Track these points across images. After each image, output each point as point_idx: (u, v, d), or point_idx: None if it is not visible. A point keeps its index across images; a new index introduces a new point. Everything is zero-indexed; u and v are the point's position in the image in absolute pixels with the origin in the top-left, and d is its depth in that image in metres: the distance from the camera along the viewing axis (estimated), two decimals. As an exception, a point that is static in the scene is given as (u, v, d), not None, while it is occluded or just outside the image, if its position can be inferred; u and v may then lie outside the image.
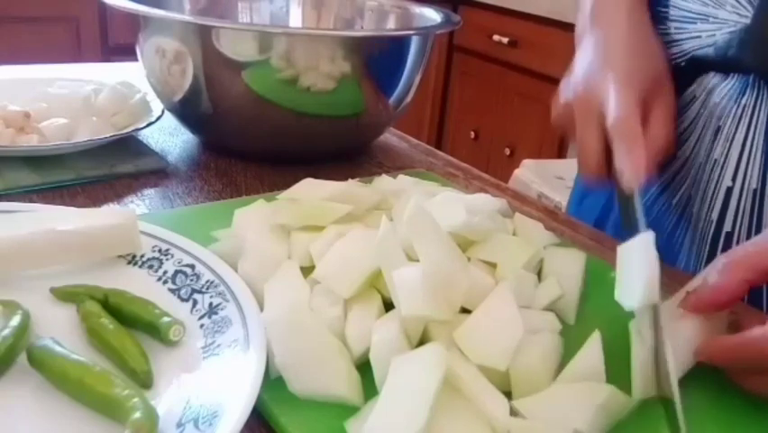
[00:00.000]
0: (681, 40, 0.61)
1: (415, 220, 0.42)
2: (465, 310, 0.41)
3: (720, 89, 0.58)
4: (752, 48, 0.55)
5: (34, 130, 0.65)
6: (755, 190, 0.57)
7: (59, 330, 0.40)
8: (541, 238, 0.52)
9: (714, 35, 0.57)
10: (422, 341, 0.39)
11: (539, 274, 0.48)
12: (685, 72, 0.60)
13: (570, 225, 0.65)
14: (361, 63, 0.65)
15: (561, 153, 2.12)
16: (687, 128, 0.61)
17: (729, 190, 0.58)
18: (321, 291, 0.42)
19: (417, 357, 0.36)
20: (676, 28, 0.61)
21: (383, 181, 0.58)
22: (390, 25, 0.86)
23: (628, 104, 0.51)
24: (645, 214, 0.65)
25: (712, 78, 0.59)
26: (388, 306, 0.42)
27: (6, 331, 0.37)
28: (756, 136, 0.56)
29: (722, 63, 0.57)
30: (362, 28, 0.88)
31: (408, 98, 0.74)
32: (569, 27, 2.05)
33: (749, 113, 0.56)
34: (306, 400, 0.37)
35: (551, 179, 1.76)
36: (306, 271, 0.44)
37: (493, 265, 0.46)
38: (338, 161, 0.72)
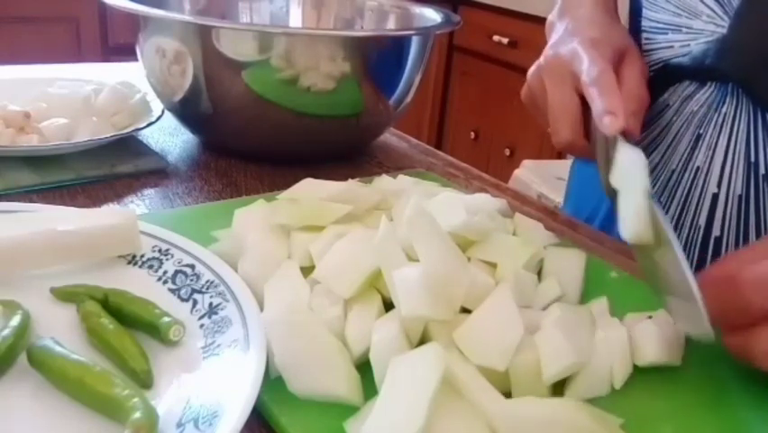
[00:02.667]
0: (652, 50, 0.61)
1: (415, 220, 0.42)
2: (465, 310, 0.41)
3: (698, 98, 0.58)
4: (730, 57, 0.55)
5: (34, 130, 0.65)
6: (740, 196, 0.57)
7: (59, 330, 0.40)
8: (541, 238, 0.52)
9: (688, 45, 0.58)
10: (422, 341, 0.39)
11: (539, 274, 0.48)
12: (656, 82, 0.60)
13: (570, 225, 0.65)
14: (361, 63, 0.65)
15: (561, 154, 2.12)
16: (659, 135, 0.62)
17: (715, 197, 0.58)
18: (321, 291, 0.42)
19: (416, 357, 0.36)
20: (646, 39, 0.62)
21: (383, 181, 0.58)
22: (390, 25, 0.86)
23: (600, 59, 0.51)
24: (608, 217, 0.65)
25: (687, 87, 0.59)
26: (388, 306, 0.42)
27: (6, 331, 0.37)
28: (738, 144, 0.56)
29: (698, 72, 0.58)
30: (362, 28, 0.88)
31: (408, 98, 0.74)
32: (569, 27, 2.05)
33: (729, 121, 0.57)
34: (306, 400, 0.37)
35: (551, 179, 1.76)
36: (306, 271, 0.44)
37: (493, 265, 0.46)
38: (338, 161, 0.72)
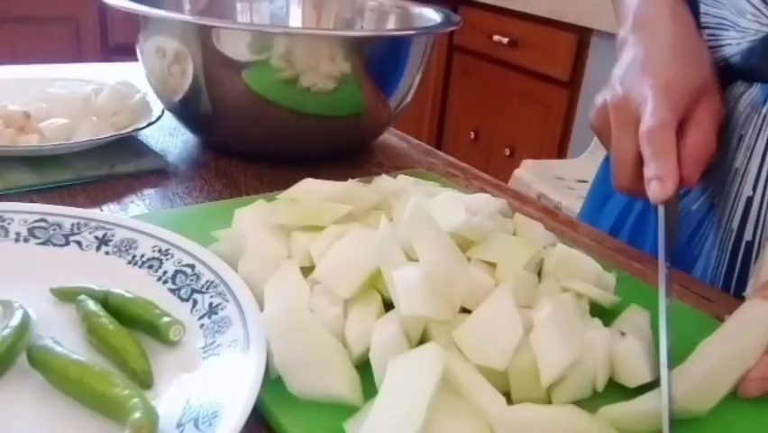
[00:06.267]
0: (716, 47, 0.59)
1: (415, 220, 0.42)
2: (465, 310, 0.41)
3: (744, 98, 0.58)
4: None
5: (34, 130, 0.65)
6: None
7: (59, 330, 0.40)
8: (541, 238, 0.52)
9: (740, 43, 0.56)
10: (422, 341, 0.39)
11: (539, 274, 0.48)
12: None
13: (570, 225, 0.65)
14: (361, 63, 0.65)
15: (561, 154, 2.12)
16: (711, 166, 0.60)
17: (750, 200, 0.57)
18: (321, 291, 0.42)
19: (415, 357, 0.36)
20: (710, 35, 0.59)
21: (383, 181, 0.58)
22: (390, 25, 0.86)
23: (663, 113, 0.49)
24: (638, 224, 0.64)
25: (739, 87, 0.58)
26: (388, 306, 0.42)
27: (6, 331, 0.37)
28: None
29: (746, 72, 0.57)
30: (362, 28, 0.88)
31: (408, 98, 0.74)
32: (568, 27, 2.06)
33: None
34: (306, 401, 0.37)
35: (551, 179, 1.76)
36: (306, 271, 0.44)
37: (493, 265, 0.46)
38: (338, 161, 0.72)
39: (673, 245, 0.45)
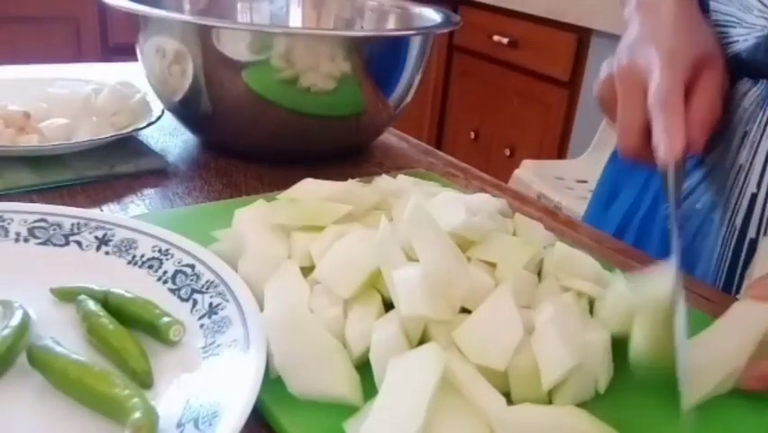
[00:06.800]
0: (726, 44, 0.59)
1: (415, 220, 0.43)
2: (465, 310, 0.41)
3: (750, 95, 0.58)
4: None
5: (34, 130, 0.65)
6: None
7: (59, 330, 0.40)
8: (541, 238, 0.52)
9: (747, 40, 0.57)
10: (422, 341, 0.39)
11: (539, 274, 0.48)
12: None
13: (570, 225, 0.65)
14: (361, 63, 0.65)
15: (561, 154, 2.12)
16: (718, 133, 0.60)
17: (754, 197, 0.57)
18: (321, 291, 0.42)
19: (415, 357, 0.36)
20: (718, 32, 0.60)
21: (383, 181, 0.58)
22: (390, 25, 0.86)
23: (671, 78, 0.50)
24: (645, 224, 0.64)
25: (745, 84, 0.58)
26: (388, 306, 0.42)
27: (6, 331, 0.37)
28: None
29: (752, 68, 0.57)
30: (362, 28, 0.88)
31: (408, 98, 0.74)
32: (568, 27, 2.06)
33: None
34: (305, 401, 0.37)
35: (551, 179, 1.76)
36: (306, 271, 0.44)
37: (493, 265, 0.46)
38: (338, 160, 0.72)
39: (679, 214, 0.46)
